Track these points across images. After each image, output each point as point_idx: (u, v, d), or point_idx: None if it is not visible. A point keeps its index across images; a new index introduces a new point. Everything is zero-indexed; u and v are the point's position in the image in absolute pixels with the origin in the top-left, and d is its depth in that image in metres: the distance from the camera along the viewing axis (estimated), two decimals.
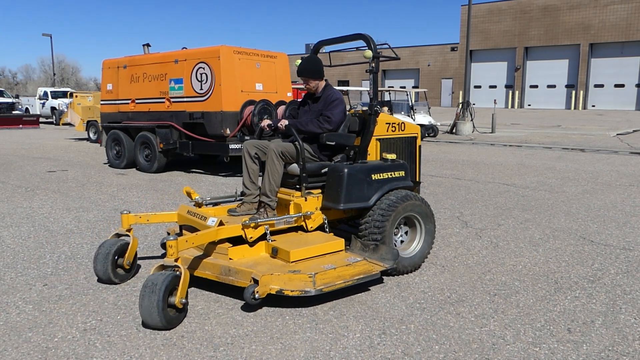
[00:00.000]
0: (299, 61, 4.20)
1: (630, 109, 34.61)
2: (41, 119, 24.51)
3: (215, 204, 4.35)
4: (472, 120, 17.78)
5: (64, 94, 26.03)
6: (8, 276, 3.91)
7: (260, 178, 4.07)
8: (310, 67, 4.12)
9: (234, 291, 3.50)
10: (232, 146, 8.33)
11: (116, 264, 3.71)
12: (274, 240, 3.66)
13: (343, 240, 3.79)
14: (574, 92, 36.76)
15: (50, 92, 26.62)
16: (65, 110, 19.21)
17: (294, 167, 3.96)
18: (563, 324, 3.08)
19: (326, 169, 3.97)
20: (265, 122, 4.20)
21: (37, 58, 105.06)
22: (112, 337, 2.92)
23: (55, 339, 2.91)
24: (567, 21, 36.40)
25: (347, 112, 4.28)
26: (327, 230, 3.93)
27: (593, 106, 36.36)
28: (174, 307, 3.00)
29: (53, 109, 25.16)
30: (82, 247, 4.65)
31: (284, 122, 4.05)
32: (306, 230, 3.87)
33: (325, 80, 4.27)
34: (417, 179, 4.64)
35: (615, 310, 3.28)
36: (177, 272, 3.06)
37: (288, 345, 2.83)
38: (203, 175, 9.04)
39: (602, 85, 36.07)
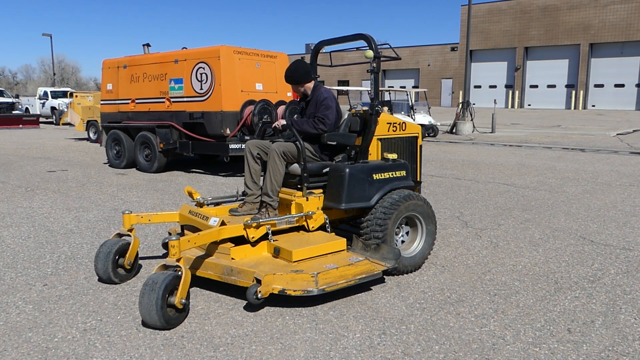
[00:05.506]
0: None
1: (630, 109, 34.61)
2: (41, 119, 24.51)
3: (216, 204, 4.35)
4: (472, 120, 17.78)
5: (64, 94, 26.02)
6: (8, 276, 3.91)
7: (262, 178, 4.07)
8: (297, 75, 4.13)
9: (234, 291, 3.50)
10: (232, 146, 8.33)
11: (117, 264, 3.71)
12: (276, 240, 3.67)
13: (345, 239, 3.79)
14: (574, 92, 36.76)
15: (50, 92, 26.61)
16: (65, 110, 19.21)
17: (296, 167, 3.96)
18: (563, 324, 3.08)
19: (327, 169, 3.97)
20: (280, 122, 4.14)
21: (37, 58, 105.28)
22: (112, 337, 2.92)
23: (55, 339, 2.91)
24: (567, 21, 36.40)
25: (348, 112, 4.29)
26: (329, 230, 3.93)
27: (593, 106, 36.36)
28: (174, 307, 3.00)
29: (53, 109, 25.16)
30: (82, 247, 4.65)
31: (281, 122, 4.07)
32: (308, 230, 3.88)
33: (314, 79, 4.28)
34: (418, 179, 4.64)
35: (615, 310, 3.28)
36: (179, 272, 3.06)
37: (288, 345, 2.83)
38: (203, 175, 9.04)
39: (602, 85, 36.07)
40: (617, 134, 16.56)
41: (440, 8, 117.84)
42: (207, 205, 4.27)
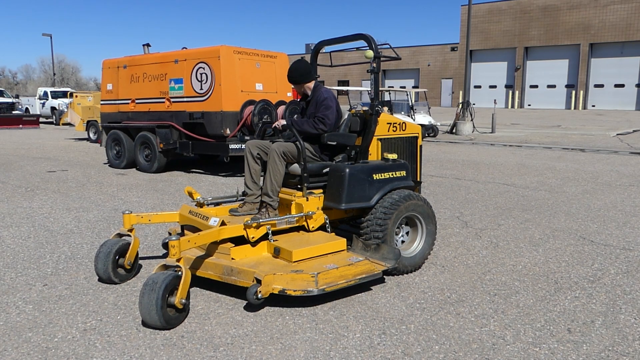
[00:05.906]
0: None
1: (630, 109, 34.60)
2: (41, 119, 24.51)
3: (216, 204, 4.35)
4: (472, 120, 17.77)
5: (64, 94, 26.03)
6: (8, 276, 3.91)
7: (262, 178, 4.08)
8: (296, 74, 4.14)
9: (234, 291, 3.50)
10: (232, 146, 8.33)
11: (117, 264, 3.71)
12: (276, 240, 3.67)
13: (345, 240, 3.79)
14: (574, 92, 36.75)
15: (50, 92, 26.61)
16: (65, 110, 19.21)
17: (296, 167, 3.96)
18: (563, 324, 3.08)
19: (327, 169, 3.98)
20: (280, 122, 4.15)
21: (37, 58, 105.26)
22: (112, 337, 2.93)
23: (55, 339, 2.91)
24: (567, 21, 36.40)
25: (348, 112, 4.29)
26: (329, 230, 3.93)
27: (593, 106, 36.36)
28: (174, 307, 3.00)
29: (53, 109, 25.16)
30: (82, 247, 4.65)
31: (282, 122, 4.07)
32: (308, 230, 3.88)
33: (315, 79, 4.28)
34: (418, 179, 4.64)
35: (615, 310, 3.28)
36: (179, 272, 3.06)
37: (288, 345, 2.83)
38: (203, 175, 9.04)
39: (602, 85, 36.06)
40: (617, 134, 16.56)
41: (440, 8, 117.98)
42: (207, 205, 4.27)
